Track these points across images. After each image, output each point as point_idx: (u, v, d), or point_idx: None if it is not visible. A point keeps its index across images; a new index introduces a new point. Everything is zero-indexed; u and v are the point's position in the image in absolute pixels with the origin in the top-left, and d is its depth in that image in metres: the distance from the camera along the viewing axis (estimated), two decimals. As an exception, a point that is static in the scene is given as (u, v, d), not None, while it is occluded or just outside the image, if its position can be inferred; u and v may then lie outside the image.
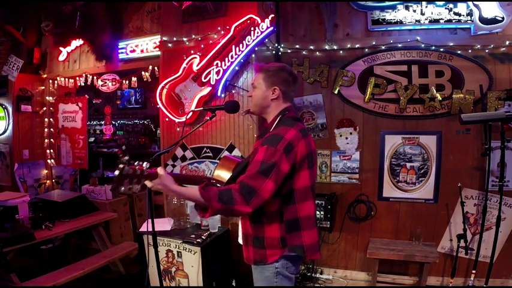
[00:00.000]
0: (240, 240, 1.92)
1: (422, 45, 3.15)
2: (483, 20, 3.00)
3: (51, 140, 4.67)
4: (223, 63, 3.07)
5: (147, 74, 3.89)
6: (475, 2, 3.01)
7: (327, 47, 3.39)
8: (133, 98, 8.04)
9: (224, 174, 1.78)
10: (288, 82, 1.74)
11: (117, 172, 1.43)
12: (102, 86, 4.20)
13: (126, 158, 1.46)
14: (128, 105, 8.11)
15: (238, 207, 1.46)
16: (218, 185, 1.70)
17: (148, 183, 1.48)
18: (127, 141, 7.75)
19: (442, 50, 3.12)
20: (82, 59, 4.35)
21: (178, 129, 3.35)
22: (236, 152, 3.15)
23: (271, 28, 3.01)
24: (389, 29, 3.28)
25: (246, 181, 1.50)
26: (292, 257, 1.68)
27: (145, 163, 1.49)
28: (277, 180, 1.52)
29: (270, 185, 1.50)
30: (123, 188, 1.45)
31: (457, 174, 3.09)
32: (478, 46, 3.02)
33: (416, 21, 3.20)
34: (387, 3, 3.22)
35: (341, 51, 3.37)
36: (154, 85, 3.58)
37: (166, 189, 1.51)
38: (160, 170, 1.50)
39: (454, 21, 3.11)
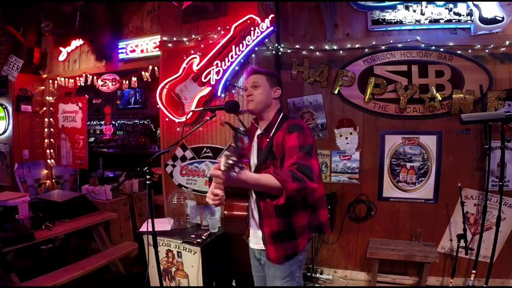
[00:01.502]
0: (256, 245, 1.86)
1: (422, 45, 3.15)
2: (483, 20, 3.00)
3: (51, 140, 4.67)
4: (223, 63, 3.07)
5: (147, 74, 3.90)
6: (475, 2, 3.01)
7: (327, 47, 3.39)
8: (133, 98, 8.04)
9: None
10: (282, 86, 1.94)
11: (239, 142, 1.25)
12: (102, 86, 4.20)
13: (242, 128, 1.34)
14: (128, 105, 8.11)
15: (310, 184, 1.53)
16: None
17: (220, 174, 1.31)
18: (127, 141, 7.75)
19: (442, 50, 3.12)
20: (82, 59, 4.35)
21: (178, 129, 3.35)
22: (236, 152, 3.14)
23: (271, 28, 3.01)
24: (389, 29, 3.28)
25: (300, 162, 1.57)
26: (309, 241, 1.82)
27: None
28: (317, 160, 1.68)
29: (316, 163, 1.64)
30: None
31: (457, 174, 3.09)
32: (478, 46, 3.02)
33: (416, 21, 3.20)
34: (387, 3, 3.22)
35: (341, 51, 3.37)
36: (154, 85, 3.58)
37: (245, 178, 1.40)
38: None
39: (454, 21, 3.11)
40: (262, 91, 1.84)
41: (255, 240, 1.87)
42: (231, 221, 1.79)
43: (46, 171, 4.69)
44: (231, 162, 1.24)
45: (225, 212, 1.78)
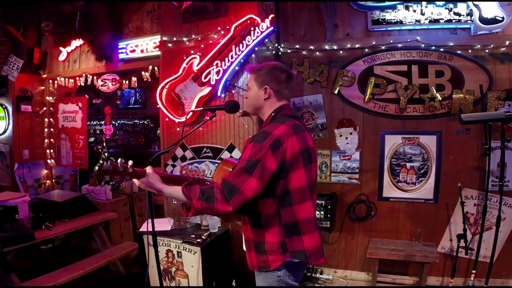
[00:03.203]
0: (243, 246, 1.89)
1: (422, 45, 3.15)
2: (483, 20, 3.00)
3: (51, 140, 4.67)
4: (223, 63, 3.07)
5: (147, 74, 3.90)
6: (475, 2, 3.01)
7: (327, 47, 3.39)
8: (133, 98, 8.04)
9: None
10: (279, 80, 1.69)
11: (96, 168, 1.42)
12: (102, 86, 4.20)
13: (106, 154, 1.51)
14: (128, 105, 8.10)
15: (218, 206, 1.43)
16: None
17: (136, 181, 1.57)
18: (127, 141, 7.74)
19: (442, 50, 3.12)
20: (82, 59, 4.35)
21: (178, 129, 3.35)
22: (236, 152, 3.15)
23: (271, 28, 3.01)
24: (389, 29, 3.28)
25: (228, 179, 1.47)
26: (296, 264, 1.61)
27: (130, 161, 1.53)
28: (262, 178, 1.45)
29: (253, 183, 1.43)
30: (105, 182, 1.50)
31: (457, 174, 3.09)
32: (478, 46, 3.02)
33: (416, 21, 3.20)
34: (387, 3, 3.22)
35: (341, 51, 3.37)
36: (154, 85, 3.58)
37: (151, 187, 1.58)
38: (148, 169, 1.57)
39: (454, 21, 3.11)
40: (250, 93, 1.73)
41: (243, 241, 1.86)
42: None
43: (46, 171, 4.69)
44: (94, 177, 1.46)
45: None
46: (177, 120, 3.31)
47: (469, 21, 3.06)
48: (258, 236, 1.62)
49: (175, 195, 1.57)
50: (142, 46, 3.85)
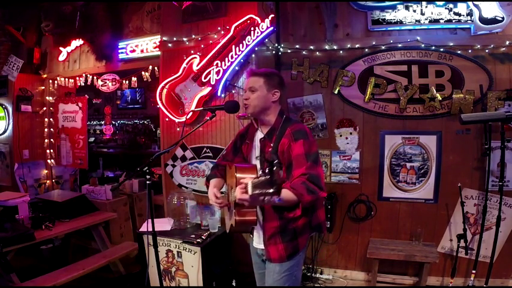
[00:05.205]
0: (257, 244, 1.89)
1: (422, 45, 3.15)
2: (483, 20, 3.00)
3: (51, 140, 4.68)
4: (223, 63, 3.07)
5: (147, 74, 3.90)
6: (475, 2, 3.01)
7: (327, 47, 3.39)
8: (133, 97, 8.04)
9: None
10: (283, 86, 1.89)
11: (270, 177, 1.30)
12: (102, 86, 4.20)
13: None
14: (128, 105, 8.11)
15: (321, 194, 1.64)
16: None
17: (239, 194, 1.43)
18: (127, 141, 7.74)
19: (442, 50, 3.12)
20: (82, 59, 4.35)
21: (178, 129, 3.35)
22: (236, 152, 3.14)
23: (271, 28, 3.01)
24: (389, 29, 3.28)
25: (310, 172, 1.63)
26: (308, 240, 1.87)
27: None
28: (321, 165, 1.76)
29: (322, 170, 1.73)
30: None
31: (457, 174, 3.09)
32: (478, 46, 3.02)
33: (416, 21, 3.20)
34: (387, 3, 3.22)
35: (341, 51, 3.37)
36: (154, 85, 3.58)
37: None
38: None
39: (454, 21, 3.11)
40: (258, 95, 1.82)
41: (258, 240, 1.88)
42: (241, 225, 1.76)
43: (46, 171, 4.69)
44: (257, 192, 1.31)
45: (236, 218, 1.69)
46: (177, 120, 3.31)
47: (469, 21, 3.06)
48: (289, 224, 1.75)
49: (287, 198, 1.56)
50: (142, 46, 3.85)
